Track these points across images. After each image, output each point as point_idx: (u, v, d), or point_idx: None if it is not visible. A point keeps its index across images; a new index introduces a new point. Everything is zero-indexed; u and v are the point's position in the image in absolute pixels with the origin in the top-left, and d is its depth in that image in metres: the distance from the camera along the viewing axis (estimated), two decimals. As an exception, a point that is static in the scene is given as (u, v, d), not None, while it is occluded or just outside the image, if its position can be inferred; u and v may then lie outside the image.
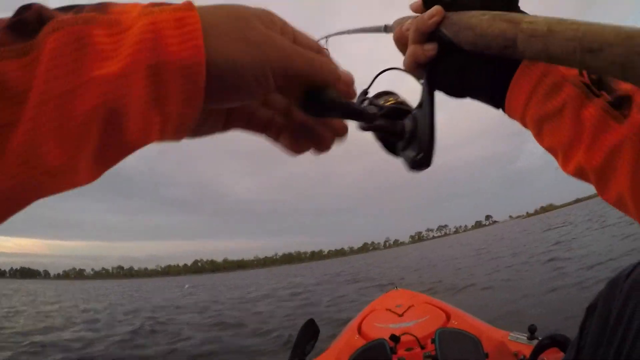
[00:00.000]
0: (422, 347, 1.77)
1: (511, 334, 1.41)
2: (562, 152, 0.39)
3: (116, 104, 0.21)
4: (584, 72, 0.37)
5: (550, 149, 0.41)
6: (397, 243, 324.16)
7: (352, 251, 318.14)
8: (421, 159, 0.42)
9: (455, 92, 0.44)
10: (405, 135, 0.45)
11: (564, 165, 0.40)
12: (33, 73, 0.20)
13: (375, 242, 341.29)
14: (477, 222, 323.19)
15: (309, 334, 1.69)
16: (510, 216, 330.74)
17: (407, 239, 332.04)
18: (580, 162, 0.38)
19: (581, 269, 6.39)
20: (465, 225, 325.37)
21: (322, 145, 0.33)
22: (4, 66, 0.19)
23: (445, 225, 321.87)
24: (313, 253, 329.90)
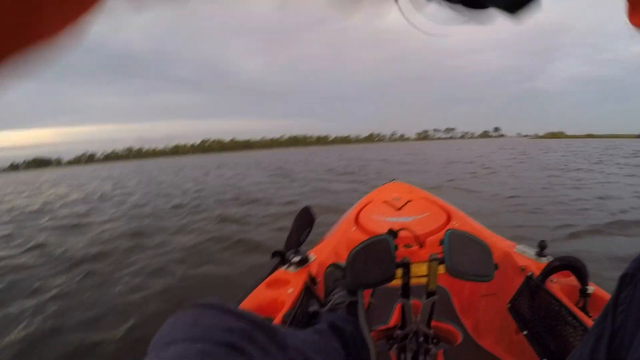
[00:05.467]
0: (421, 245, 1.73)
1: (518, 246, 1.35)
2: None
3: None
4: None
5: None
6: (402, 137, 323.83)
7: (357, 140, 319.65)
8: None
9: None
10: None
11: None
12: None
13: (382, 133, 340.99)
14: (484, 131, 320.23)
15: (305, 222, 1.66)
16: (519, 134, 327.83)
17: (413, 135, 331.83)
18: None
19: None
20: (473, 133, 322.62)
21: None
22: None
23: (453, 129, 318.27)
24: (319, 137, 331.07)
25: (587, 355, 0.51)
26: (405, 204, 2.26)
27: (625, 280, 0.50)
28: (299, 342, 0.64)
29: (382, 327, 1.33)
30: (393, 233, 1.64)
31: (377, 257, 0.98)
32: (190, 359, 0.43)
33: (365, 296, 1.47)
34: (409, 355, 1.11)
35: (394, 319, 1.37)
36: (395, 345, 1.16)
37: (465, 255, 0.94)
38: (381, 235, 1.03)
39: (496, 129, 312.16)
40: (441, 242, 0.97)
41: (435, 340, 1.17)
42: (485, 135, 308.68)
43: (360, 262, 0.99)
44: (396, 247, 1.01)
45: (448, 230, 0.99)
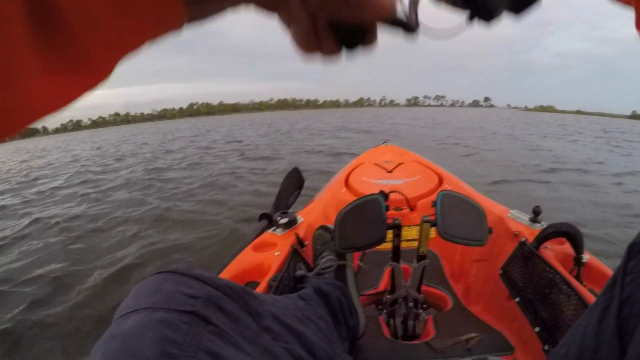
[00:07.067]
0: (411, 209, 1.70)
1: (511, 211, 1.31)
2: None
3: None
4: None
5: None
6: (392, 103, 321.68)
7: (347, 104, 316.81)
8: None
9: None
10: None
11: None
12: None
13: (371, 98, 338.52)
14: (474, 100, 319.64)
15: (293, 184, 1.60)
16: (509, 105, 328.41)
17: (403, 101, 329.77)
18: None
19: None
20: (463, 102, 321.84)
21: (328, 53, 0.26)
22: None
23: (443, 96, 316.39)
24: (308, 101, 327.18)
25: (595, 323, 0.51)
26: (397, 166, 2.22)
27: (634, 250, 0.49)
28: (278, 309, 0.61)
29: (371, 291, 1.31)
30: (384, 195, 1.60)
31: (367, 218, 0.94)
32: (150, 329, 0.41)
33: (355, 260, 1.44)
34: (398, 320, 1.09)
35: (384, 283, 1.34)
36: (385, 310, 1.14)
37: (458, 218, 0.90)
38: (372, 194, 0.98)
39: (486, 99, 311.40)
40: (434, 204, 0.92)
41: (424, 306, 1.15)
42: (475, 104, 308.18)
43: (350, 223, 0.94)
44: (387, 208, 0.96)
45: (441, 191, 0.94)
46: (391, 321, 1.10)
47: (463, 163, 6.64)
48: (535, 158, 7.36)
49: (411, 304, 1.08)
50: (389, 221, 0.95)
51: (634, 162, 7.37)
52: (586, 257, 0.97)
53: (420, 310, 1.09)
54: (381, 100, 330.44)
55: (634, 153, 9.11)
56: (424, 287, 1.13)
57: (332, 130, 15.92)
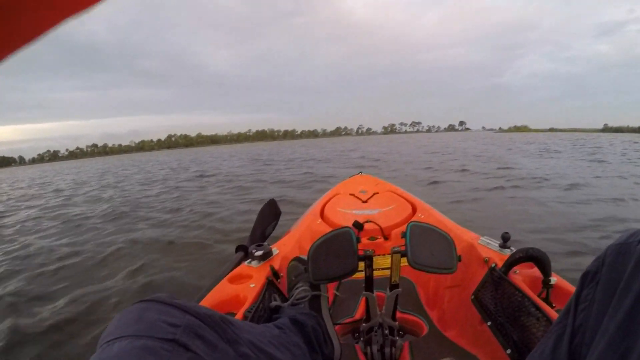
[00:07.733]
0: (386, 238, 1.73)
1: (482, 238, 1.35)
2: None
3: None
4: None
5: None
6: (369, 132, 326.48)
7: (324, 134, 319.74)
8: None
9: None
10: None
11: None
12: None
13: (348, 127, 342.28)
14: (450, 125, 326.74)
15: (270, 215, 1.62)
16: (483, 127, 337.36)
17: (379, 129, 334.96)
18: None
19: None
20: (439, 127, 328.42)
21: None
22: None
23: (419, 123, 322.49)
24: (286, 132, 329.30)
25: (550, 351, 0.52)
26: (372, 196, 2.26)
27: (587, 279, 0.50)
28: (254, 336, 0.62)
29: (348, 320, 1.32)
30: (358, 225, 1.62)
31: (339, 250, 0.96)
32: (133, 355, 0.42)
33: (331, 289, 1.45)
34: (375, 347, 1.10)
35: (360, 311, 1.36)
36: (361, 339, 1.15)
37: (427, 247, 0.93)
38: (343, 227, 1.00)
39: (461, 123, 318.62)
40: (403, 235, 0.95)
41: (400, 332, 1.16)
42: (451, 128, 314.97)
43: (322, 255, 0.96)
44: (359, 240, 0.98)
45: (410, 222, 0.98)
46: (368, 349, 1.11)
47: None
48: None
49: (387, 332, 1.09)
50: (361, 252, 0.97)
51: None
52: (554, 279, 1.00)
53: (397, 337, 1.11)
54: (358, 128, 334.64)
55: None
56: (399, 314, 1.15)
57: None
